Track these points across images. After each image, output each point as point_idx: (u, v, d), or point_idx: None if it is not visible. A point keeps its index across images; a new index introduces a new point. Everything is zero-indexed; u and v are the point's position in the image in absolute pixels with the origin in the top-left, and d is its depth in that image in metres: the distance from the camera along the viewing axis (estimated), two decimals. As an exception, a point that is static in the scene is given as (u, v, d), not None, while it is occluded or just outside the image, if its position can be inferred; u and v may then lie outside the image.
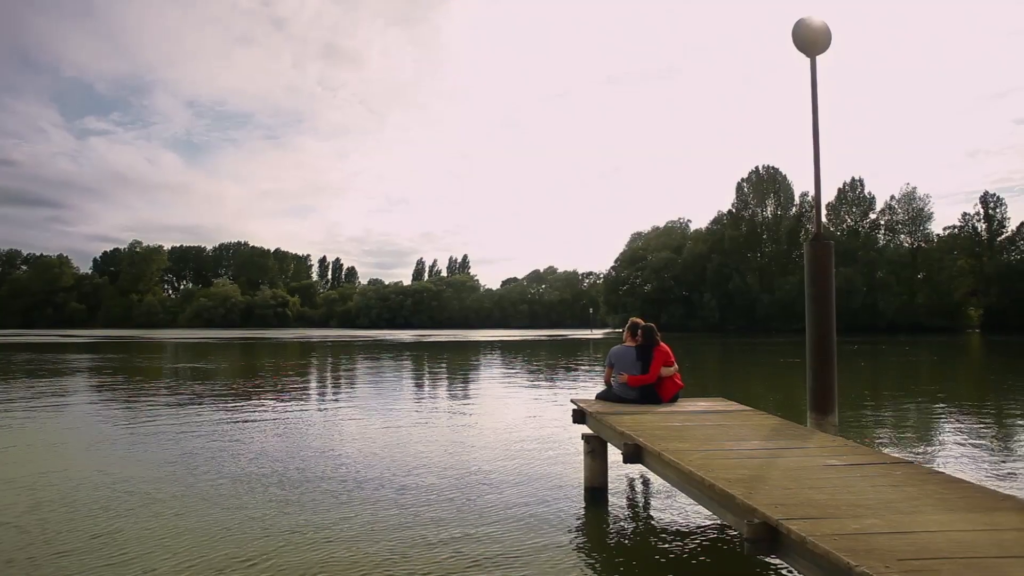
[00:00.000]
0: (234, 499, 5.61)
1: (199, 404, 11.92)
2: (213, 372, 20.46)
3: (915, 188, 75.86)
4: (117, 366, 23.33)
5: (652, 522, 5.14)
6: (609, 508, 5.51)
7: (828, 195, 76.24)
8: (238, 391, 14.38)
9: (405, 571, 4.05)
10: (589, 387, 14.78)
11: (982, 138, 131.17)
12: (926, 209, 75.14)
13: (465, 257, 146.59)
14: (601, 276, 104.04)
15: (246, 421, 10.03)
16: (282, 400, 12.82)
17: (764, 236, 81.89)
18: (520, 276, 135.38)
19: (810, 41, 5.96)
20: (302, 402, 12.81)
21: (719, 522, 4.83)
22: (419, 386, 16.89)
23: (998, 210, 71.68)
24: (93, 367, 22.76)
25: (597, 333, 74.34)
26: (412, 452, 7.69)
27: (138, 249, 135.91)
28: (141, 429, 9.27)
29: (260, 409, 11.44)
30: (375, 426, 9.67)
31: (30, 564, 4.13)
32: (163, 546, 4.43)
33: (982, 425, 9.73)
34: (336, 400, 13.51)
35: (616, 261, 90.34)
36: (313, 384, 17.23)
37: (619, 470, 6.07)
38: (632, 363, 6.70)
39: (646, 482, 6.22)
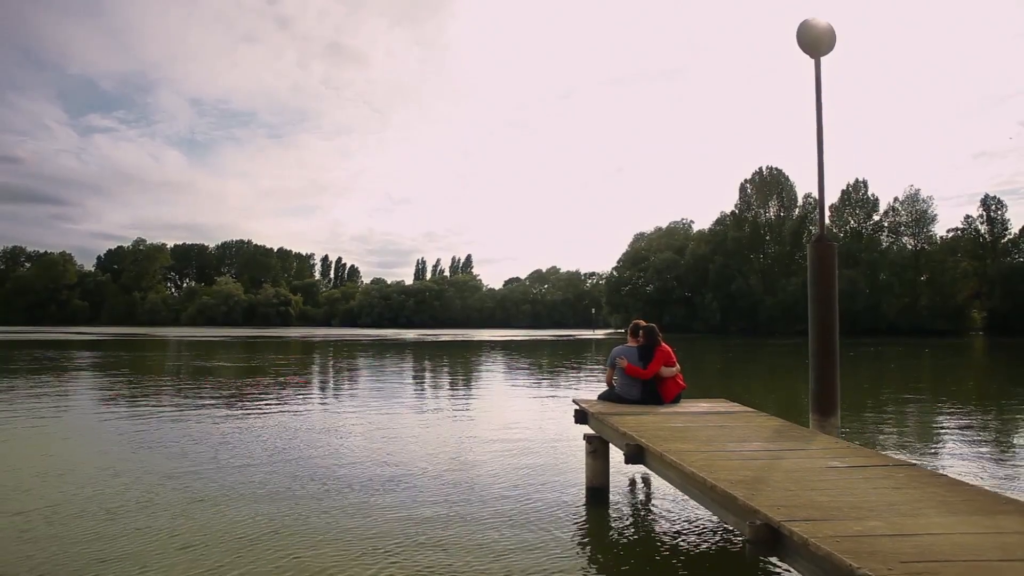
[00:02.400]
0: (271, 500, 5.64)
1: (228, 406, 11.82)
2: (232, 371, 20.44)
3: (919, 190, 75.66)
4: (142, 364, 23.39)
5: (653, 523, 5.14)
6: (610, 508, 5.52)
7: (831, 196, 76.16)
8: (261, 391, 14.31)
9: (405, 570, 4.06)
10: (591, 387, 14.77)
11: (988, 140, 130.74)
12: (929, 211, 74.94)
13: (468, 257, 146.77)
14: (604, 276, 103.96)
15: (276, 415, 10.11)
16: (310, 401, 12.89)
17: (767, 237, 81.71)
18: (522, 276, 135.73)
19: (815, 42, 5.95)
20: (326, 404, 12.83)
21: (721, 523, 4.82)
22: (424, 386, 16.90)
23: (999, 212, 71.65)
24: (118, 365, 22.83)
25: (599, 333, 74.41)
26: (415, 451, 7.71)
27: (141, 247, 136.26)
28: (191, 430, 9.13)
29: (288, 408, 11.48)
30: (381, 425, 9.69)
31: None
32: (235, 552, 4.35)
33: (988, 427, 9.70)
34: (348, 401, 13.51)
35: (619, 261, 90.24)
36: (328, 385, 17.21)
37: (621, 470, 6.07)
38: (634, 362, 6.72)
39: (648, 483, 6.22)
